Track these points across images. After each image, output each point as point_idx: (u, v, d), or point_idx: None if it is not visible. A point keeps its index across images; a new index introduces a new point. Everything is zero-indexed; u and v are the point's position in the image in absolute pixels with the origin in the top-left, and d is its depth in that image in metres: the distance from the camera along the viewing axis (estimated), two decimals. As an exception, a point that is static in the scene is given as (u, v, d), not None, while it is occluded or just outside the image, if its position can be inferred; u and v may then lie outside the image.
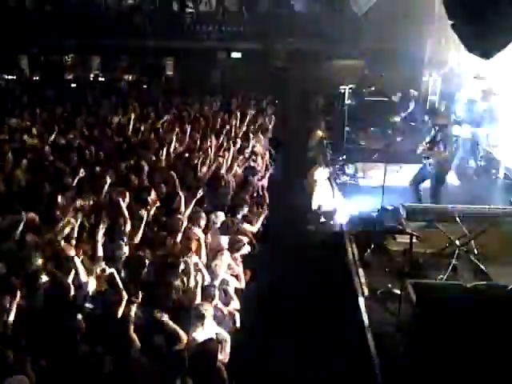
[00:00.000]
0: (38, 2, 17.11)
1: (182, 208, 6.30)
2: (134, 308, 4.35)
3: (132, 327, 4.26)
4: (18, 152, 8.45)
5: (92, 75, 18.16)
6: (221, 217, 6.35)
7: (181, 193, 6.56)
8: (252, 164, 8.36)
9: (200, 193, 6.51)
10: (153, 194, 6.56)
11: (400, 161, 10.09)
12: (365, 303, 6.15)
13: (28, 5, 17.07)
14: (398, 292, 5.83)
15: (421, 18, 12.45)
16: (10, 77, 17.23)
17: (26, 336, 4.17)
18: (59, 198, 6.32)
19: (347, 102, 12.43)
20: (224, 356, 4.49)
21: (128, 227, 5.77)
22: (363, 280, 6.64)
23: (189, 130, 9.78)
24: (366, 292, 6.38)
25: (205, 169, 7.90)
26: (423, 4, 12.25)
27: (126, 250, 5.28)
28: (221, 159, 8.10)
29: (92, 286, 4.83)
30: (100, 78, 17.93)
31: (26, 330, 4.24)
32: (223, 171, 7.83)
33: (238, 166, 8.30)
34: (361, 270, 6.88)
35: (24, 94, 14.30)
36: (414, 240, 6.11)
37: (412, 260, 6.08)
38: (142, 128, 10.05)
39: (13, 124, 10.54)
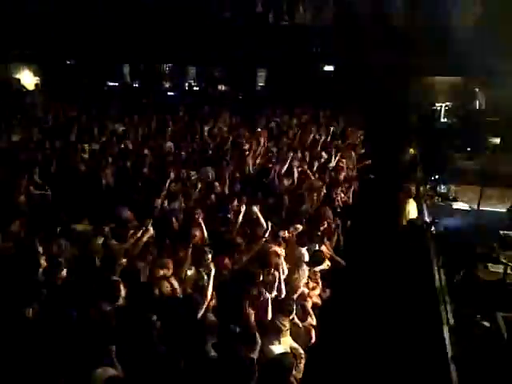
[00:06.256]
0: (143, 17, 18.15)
1: (261, 220, 6.29)
2: None
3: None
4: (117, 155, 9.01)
5: (187, 84, 18.97)
6: (299, 229, 6.31)
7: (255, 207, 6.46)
8: (335, 178, 8.26)
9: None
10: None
11: (499, 184, 9.49)
12: (449, 333, 5.80)
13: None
14: (487, 324, 5.45)
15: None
16: (113, 84, 18.45)
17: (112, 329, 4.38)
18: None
19: (443, 120, 11.95)
20: (298, 371, 4.43)
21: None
22: (449, 308, 6.28)
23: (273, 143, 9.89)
24: (452, 321, 6.03)
25: (287, 181, 7.91)
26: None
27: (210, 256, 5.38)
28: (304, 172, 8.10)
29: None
30: (194, 88, 18.69)
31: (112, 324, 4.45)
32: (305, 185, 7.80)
33: (323, 180, 8.21)
34: (447, 297, 6.52)
35: (125, 100, 15.23)
36: (509, 271, 5.70)
37: (505, 291, 5.67)
38: (231, 137, 10.29)
39: (117, 129, 11.17)
